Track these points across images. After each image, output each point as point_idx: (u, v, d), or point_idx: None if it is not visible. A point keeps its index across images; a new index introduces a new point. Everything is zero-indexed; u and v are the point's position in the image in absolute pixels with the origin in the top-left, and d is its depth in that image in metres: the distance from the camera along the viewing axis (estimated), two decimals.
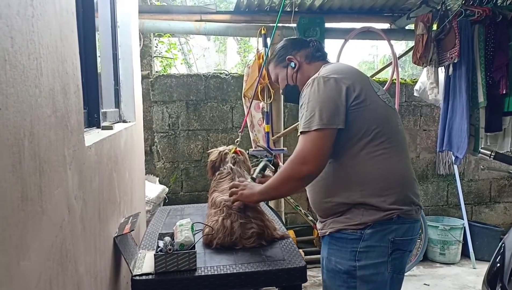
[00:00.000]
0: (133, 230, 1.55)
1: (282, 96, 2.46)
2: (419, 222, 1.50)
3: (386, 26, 4.03)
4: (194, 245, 1.51)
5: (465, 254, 3.99)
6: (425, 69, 3.39)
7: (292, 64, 1.64)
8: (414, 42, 3.28)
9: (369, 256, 1.39)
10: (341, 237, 1.43)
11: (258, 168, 1.84)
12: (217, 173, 2.06)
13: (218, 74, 3.97)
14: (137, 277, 1.44)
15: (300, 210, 3.44)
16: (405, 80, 4.30)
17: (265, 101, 3.44)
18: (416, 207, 1.47)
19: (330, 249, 1.47)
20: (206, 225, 1.73)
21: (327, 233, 1.48)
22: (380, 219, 1.38)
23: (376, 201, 1.38)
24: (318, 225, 1.57)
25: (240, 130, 2.99)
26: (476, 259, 3.88)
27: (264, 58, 3.29)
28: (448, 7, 3.17)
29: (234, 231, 1.65)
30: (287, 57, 1.65)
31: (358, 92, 1.40)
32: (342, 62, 1.64)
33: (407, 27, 3.97)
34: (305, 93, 1.44)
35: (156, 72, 4.07)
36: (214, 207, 1.80)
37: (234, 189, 1.70)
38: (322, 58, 1.65)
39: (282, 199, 3.67)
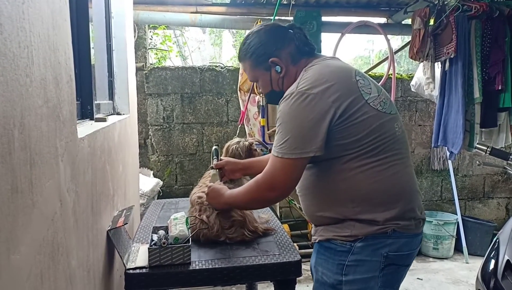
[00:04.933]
0: (127, 223, 1.53)
1: (265, 98, 2.20)
2: (420, 236, 1.37)
3: (383, 20, 4.01)
4: (189, 239, 1.50)
5: (458, 249, 4.02)
6: (421, 64, 3.39)
7: (278, 68, 1.39)
8: (410, 37, 3.28)
9: (358, 271, 1.27)
10: (329, 247, 1.33)
11: (211, 157, 1.85)
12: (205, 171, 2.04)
13: (214, 67, 3.94)
14: (131, 271, 1.42)
15: (295, 205, 3.44)
16: (401, 75, 4.30)
17: (261, 95, 3.42)
18: (417, 221, 1.33)
19: (317, 258, 1.39)
20: (198, 218, 1.71)
21: (317, 241, 1.40)
22: (373, 233, 1.26)
23: (371, 217, 1.26)
24: (312, 230, 1.50)
25: (239, 123, 2.94)
26: (469, 254, 3.91)
27: None
28: (445, 2, 3.16)
29: (213, 225, 1.63)
30: (270, 60, 1.39)
31: (344, 108, 1.22)
32: (327, 62, 1.37)
33: (403, 22, 3.96)
34: (281, 109, 1.28)
35: (151, 64, 4.03)
36: (191, 205, 1.78)
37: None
38: (309, 53, 1.41)
39: None
